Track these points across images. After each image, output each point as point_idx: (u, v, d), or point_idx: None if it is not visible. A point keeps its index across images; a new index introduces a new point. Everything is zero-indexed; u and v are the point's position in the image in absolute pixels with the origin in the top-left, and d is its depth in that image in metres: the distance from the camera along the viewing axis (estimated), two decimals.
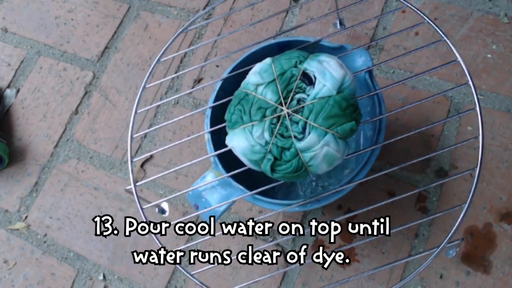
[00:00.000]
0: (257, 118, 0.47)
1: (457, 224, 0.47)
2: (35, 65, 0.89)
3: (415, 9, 0.55)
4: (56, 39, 0.90)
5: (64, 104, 0.84)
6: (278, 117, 0.47)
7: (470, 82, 0.50)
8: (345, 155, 0.48)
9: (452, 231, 0.47)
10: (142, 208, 0.54)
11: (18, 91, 0.87)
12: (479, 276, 0.60)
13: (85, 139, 0.80)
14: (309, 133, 0.46)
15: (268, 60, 0.50)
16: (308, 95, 0.47)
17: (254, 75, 0.49)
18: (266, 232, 0.68)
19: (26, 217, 0.77)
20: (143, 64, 0.83)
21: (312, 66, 0.48)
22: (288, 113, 0.47)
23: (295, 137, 0.46)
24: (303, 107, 0.47)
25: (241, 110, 0.49)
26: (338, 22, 0.75)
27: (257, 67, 0.50)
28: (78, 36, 0.89)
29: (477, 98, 0.50)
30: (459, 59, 0.51)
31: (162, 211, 0.69)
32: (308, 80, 0.47)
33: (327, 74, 0.47)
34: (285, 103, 0.48)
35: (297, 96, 0.47)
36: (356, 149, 0.65)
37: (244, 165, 0.52)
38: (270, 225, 0.68)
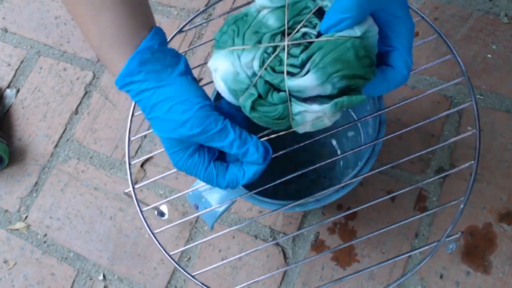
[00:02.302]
0: (250, 42, 0.40)
1: (456, 217, 0.48)
2: (35, 65, 0.89)
3: (413, 8, 0.55)
4: (56, 39, 0.90)
5: (64, 104, 0.84)
6: (275, 48, 0.40)
7: (466, 76, 0.50)
8: (331, 122, 0.42)
9: (452, 225, 0.48)
10: (141, 211, 0.54)
11: (18, 91, 0.87)
12: (479, 276, 0.60)
13: (85, 139, 0.80)
14: (308, 72, 0.39)
15: None
16: (319, 33, 0.40)
17: None
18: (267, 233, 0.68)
19: (26, 217, 0.77)
20: None
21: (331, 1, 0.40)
22: (288, 45, 0.40)
23: (288, 72, 0.40)
24: (311, 42, 0.39)
25: (235, 31, 0.41)
26: None
27: None
28: (78, 36, 0.89)
29: (473, 91, 0.50)
30: (455, 53, 0.51)
31: (161, 214, 0.70)
32: (321, 16, 0.40)
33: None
34: (288, 34, 0.40)
35: (304, 29, 0.40)
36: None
37: None
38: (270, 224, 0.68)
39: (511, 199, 0.63)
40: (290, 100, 0.40)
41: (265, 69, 0.40)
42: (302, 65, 0.39)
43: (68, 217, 0.76)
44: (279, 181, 0.51)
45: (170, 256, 0.52)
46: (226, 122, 0.42)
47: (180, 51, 0.62)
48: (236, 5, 0.83)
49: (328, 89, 0.40)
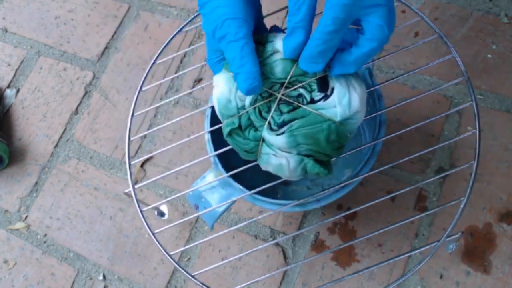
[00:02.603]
0: None
1: (456, 217, 0.48)
2: (35, 65, 0.89)
3: (413, 9, 0.55)
4: (56, 39, 0.90)
5: (64, 104, 0.84)
6: (270, 95, 0.43)
7: (465, 76, 0.51)
8: (295, 177, 0.45)
9: (452, 225, 0.48)
10: (141, 211, 0.54)
11: (18, 91, 0.87)
12: (479, 276, 0.60)
13: (85, 139, 0.80)
14: (283, 133, 0.42)
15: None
16: (312, 99, 0.43)
17: (280, 41, 0.44)
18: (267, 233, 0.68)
19: (26, 217, 0.77)
20: (143, 64, 0.83)
21: (338, 76, 0.43)
22: (281, 98, 0.43)
23: (269, 123, 0.43)
24: (299, 107, 0.42)
25: None
26: None
27: None
28: (78, 36, 0.89)
29: (473, 91, 0.50)
30: (455, 53, 0.52)
31: (161, 214, 0.70)
32: (323, 85, 0.43)
33: (345, 99, 0.42)
34: (286, 87, 0.43)
35: (302, 91, 0.43)
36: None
37: (244, 165, 0.52)
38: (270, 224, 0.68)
39: (511, 199, 0.63)
40: (263, 141, 0.43)
41: (254, 108, 0.43)
42: (281, 125, 0.42)
43: (68, 217, 0.76)
44: (279, 181, 0.51)
45: (170, 256, 0.52)
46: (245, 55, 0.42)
47: (180, 51, 0.62)
48: None
49: (294, 152, 0.43)
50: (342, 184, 0.52)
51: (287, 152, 0.43)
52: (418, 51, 0.72)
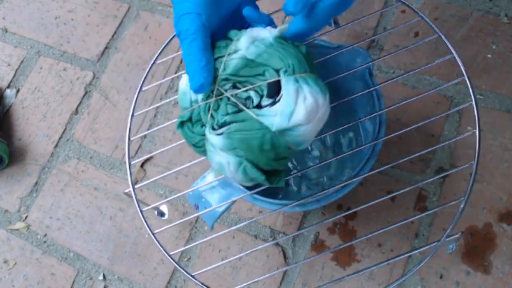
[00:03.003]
0: None
1: (456, 217, 0.48)
2: (35, 65, 0.89)
3: (413, 8, 0.55)
4: (56, 39, 0.90)
5: (64, 104, 0.84)
6: (221, 93, 0.43)
7: (465, 76, 0.51)
8: (239, 180, 0.45)
9: (452, 225, 0.48)
10: (141, 211, 0.54)
11: (18, 91, 0.87)
12: (479, 276, 0.60)
13: (85, 139, 0.81)
14: (221, 134, 0.42)
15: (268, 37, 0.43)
16: (258, 105, 0.41)
17: (246, 39, 0.43)
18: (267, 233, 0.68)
19: (26, 217, 0.77)
20: (143, 64, 0.83)
21: (289, 83, 0.41)
22: (228, 97, 0.42)
23: (212, 124, 0.43)
24: (241, 110, 0.42)
25: None
26: (332, 21, 0.75)
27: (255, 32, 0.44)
28: (78, 36, 0.89)
29: (473, 91, 0.50)
30: (455, 53, 0.52)
31: (161, 214, 0.70)
32: (273, 91, 0.42)
33: (288, 109, 0.40)
34: (237, 88, 0.43)
35: (252, 93, 0.42)
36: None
37: None
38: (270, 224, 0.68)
39: (511, 199, 0.63)
40: (207, 141, 0.43)
41: (205, 105, 0.43)
42: (222, 125, 0.42)
43: (68, 217, 0.76)
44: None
45: (170, 256, 0.52)
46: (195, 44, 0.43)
47: (180, 51, 0.62)
48: None
49: (233, 155, 0.42)
50: (342, 184, 0.52)
51: (225, 153, 0.43)
52: (418, 51, 0.72)
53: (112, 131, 0.80)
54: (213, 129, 0.43)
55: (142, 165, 0.76)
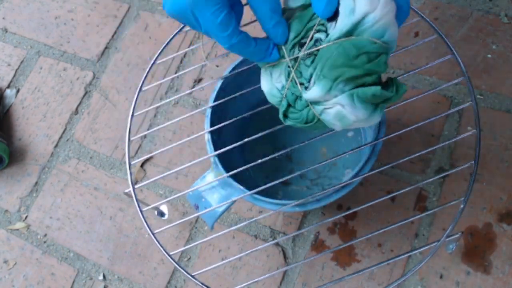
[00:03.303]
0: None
1: (456, 217, 0.48)
2: (35, 65, 0.89)
3: (413, 8, 0.55)
4: (56, 39, 0.90)
5: (64, 104, 0.84)
6: (295, 60, 0.42)
7: (466, 76, 0.51)
8: (371, 121, 0.42)
9: (452, 225, 0.48)
10: (141, 211, 0.54)
11: (18, 91, 0.87)
12: (479, 276, 0.60)
13: (85, 139, 0.80)
14: (314, 83, 0.41)
15: None
16: (328, 35, 0.40)
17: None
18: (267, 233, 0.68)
19: (26, 217, 0.77)
20: (143, 64, 0.83)
21: None
22: (302, 56, 0.41)
23: (302, 84, 0.42)
24: (318, 50, 0.40)
25: None
26: None
27: None
28: (78, 36, 0.89)
29: (473, 91, 0.50)
30: (455, 53, 0.52)
31: (161, 214, 0.70)
32: (332, 16, 0.40)
33: (347, 7, 0.39)
34: (304, 44, 0.41)
35: (317, 35, 0.41)
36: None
37: (243, 165, 0.52)
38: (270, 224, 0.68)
39: (511, 199, 0.63)
40: (311, 104, 0.42)
41: (291, 81, 0.42)
42: (310, 78, 0.41)
43: (68, 217, 0.76)
44: (279, 181, 0.51)
45: (170, 256, 0.52)
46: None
47: (180, 51, 0.62)
48: None
49: (338, 95, 0.40)
50: (342, 184, 0.52)
51: (332, 98, 0.41)
52: (418, 51, 0.72)
53: (112, 131, 0.80)
54: (306, 88, 0.41)
55: (142, 165, 0.76)
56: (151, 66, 0.59)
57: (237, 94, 0.55)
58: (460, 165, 0.49)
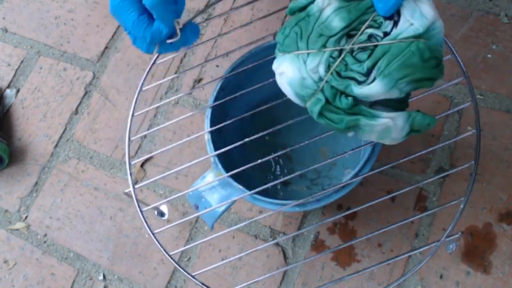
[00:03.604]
0: (315, 46, 0.40)
1: (456, 217, 0.48)
2: (35, 65, 0.89)
3: None
4: (56, 39, 0.90)
5: (64, 104, 0.84)
6: (340, 51, 0.40)
7: (466, 76, 0.51)
8: (401, 138, 0.42)
9: (452, 225, 0.48)
10: (141, 211, 0.54)
11: (18, 91, 0.87)
12: (479, 276, 0.60)
13: (85, 139, 0.80)
14: (374, 79, 0.39)
15: None
16: (385, 33, 0.39)
17: None
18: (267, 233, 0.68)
19: (26, 217, 0.77)
20: (143, 64, 0.83)
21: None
22: (353, 48, 0.39)
23: (354, 79, 0.39)
24: (376, 45, 0.39)
25: (298, 34, 0.41)
26: None
27: None
28: (78, 36, 0.89)
29: (473, 91, 0.50)
30: (455, 53, 0.52)
31: (161, 214, 0.70)
32: (389, 16, 0.39)
33: (417, 12, 0.38)
34: (353, 35, 0.40)
35: (369, 30, 0.40)
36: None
37: (243, 165, 0.52)
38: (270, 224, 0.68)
39: (511, 199, 0.63)
40: (360, 113, 0.40)
41: (331, 74, 0.39)
42: (368, 72, 0.39)
43: (68, 217, 0.76)
44: (279, 181, 0.51)
45: (170, 256, 0.52)
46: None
47: (180, 51, 0.62)
48: (236, 5, 0.83)
49: (395, 94, 0.40)
50: (342, 184, 0.52)
51: (386, 95, 0.40)
52: None
53: (112, 131, 0.80)
54: (360, 83, 0.39)
55: (142, 165, 0.76)
56: (151, 66, 0.59)
57: (237, 94, 0.55)
58: (460, 165, 0.49)
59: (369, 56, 0.39)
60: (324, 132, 0.51)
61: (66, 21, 0.91)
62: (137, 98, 0.58)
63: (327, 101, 0.40)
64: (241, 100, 0.58)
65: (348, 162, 0.66)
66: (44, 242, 0.75)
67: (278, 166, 0.68)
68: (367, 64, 0.39)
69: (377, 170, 0.51)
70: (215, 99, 0.59)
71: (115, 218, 0.74)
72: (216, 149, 0.56)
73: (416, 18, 0.38)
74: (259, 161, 0.51)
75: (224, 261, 0.51)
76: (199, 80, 0.80)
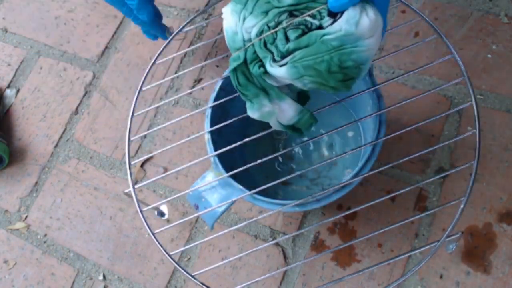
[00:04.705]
0: (259, 10, 0.42)
1: (456, 217, 0.48)
2: (35, 65, 0.89)
3: (413, 8, 0.55)
4: (56, 39, 0.90)
5: (64, 104, 0.84)
6: (277, 24, 0.41)
7: (465, 76, 0.51)
8: (279, 127, 0.45)
9: (452, 225, 0.48)
10: (141, 211, 0.54)
11: (18, 91, 0.87)
12: (479, 276, 0.60)
13: (85, 139, 0.80)
14: (285, 64, 0.41)
15: None
16: (320, 27, 0.40)
17: None
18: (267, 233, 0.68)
19: (26, 217, 0.77)
20: (143, 64, 0.83)
21: (354, 3, 0.40)
22: (285, 28, 0.41)
23: (272, 54, 0.41)
24: (305, 33, 0.40)
25: None
26: None
27: None
28: (78, 36, 0.89)
29: (473, 91, 0.50)
30: (455, 53, 0.52)
31: (161, 214, 0.70)
32: (332, 12, 0.40)
33: (353, 18, 0.39)
34: (295, 16, 0.41)
35: (309, 19, 0.41)
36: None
37: (243, 165, 0.52)
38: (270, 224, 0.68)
39: (511, 199, 0.63)
40: (265, 88, 0.42)
41: (259, 40, 0.41)
42: (286, 55, 0.40)
43: (68, 217, 0.76)
44: (279, 181, 0.51)
45: (170, 256, 0.52)
46: None
47: (180, 51, 0.63)
48: None
49: (299, 85, 0.42)
50: (342, 184, 0.52)
51: (290, 82, 0.41)
52: (418, 51, 0.72)
53: (112, 131, 0.80)
54: (275, 61, 0.41)
55: (142, 165, 0.76)
56: (151, 66, 0.59)
57: (237, 94, 0.55)
58: (460, 165, 0.49)
59: (297, 37, 0.40)
60: (324, 132, 0.51)
61: (66, 21, 0.91)
62: (137, 98, 0.58)
63: (245, 61, 0.42)
64: (241, 100, 0.58)
65: (348, 162, 0.66)
66: (44, 242, 0.75)
67: (278, 166, 0.68)
68: (289, 47, 0.40)
69: (377, 170, 0.51)
70: (215, 99, 0.59)
71: (115, 218, 0.74)
72: (216, 149, 0.56)
73: (349, 23, 0.39)
74: (259, 161, 0.51)
75: (224, 261, 0.51)
76: (199, 80, 0.80)
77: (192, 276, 0.51)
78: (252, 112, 0.45)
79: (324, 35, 0.40)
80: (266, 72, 0.42)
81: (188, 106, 0.78)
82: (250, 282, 0.51)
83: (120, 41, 0.86)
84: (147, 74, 0.59)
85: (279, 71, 0.41)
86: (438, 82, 0.70)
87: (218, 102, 0.57)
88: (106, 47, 0.87)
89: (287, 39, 0.41)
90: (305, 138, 0.68)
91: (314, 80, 0.41)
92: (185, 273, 0.51)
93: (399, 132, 0.50)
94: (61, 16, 0.91)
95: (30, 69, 0.89)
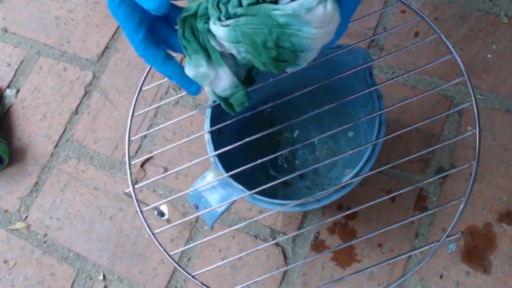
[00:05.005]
0: None
1: (456, 217, 0.48)
2: (35, 65, 0.89)
3: (413, 8, 0.55)
4: (56, 39, 0.90)
5: (64, 104, 0.84)
6: None
7: (465, 76, 0.51)
8: (210, 94, 0.45)
9: (452, 225, 0.48)
10: (141, 211, 0.54)
11: (18, 91, 0.87)
12: (479, 276, 0.60)
13: (85, 139, 0.81)
14: (228, 27, 0.40)
15: None
16: (274, 1, 0.39)
17: None
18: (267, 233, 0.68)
19: (26, 217, 0.77)
20: (143, 64, 0.83)
21: None
22: None
23: (220, 13, 0.40)
24: (257, 4, 0.39)
25: None
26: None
27: None
28: (78, 36, 0.89)
29: (473, 91, 0.50)
30: (455, 53, 0.52)
31: (161, 214, 0.70)
32: None
33: (309, 3, 0.38)
34: None
35: None
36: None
37: (243, 165, 0.52)
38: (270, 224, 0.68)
39: (511, 199, 0.63)
40: (207, 48, 0.42)
41: None
42: (232, 17, 0.40)
43: (68, 217, 0.76)
44: (279, 181, 0.51)
45: (170, 256, 0.52)
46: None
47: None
48: None
49: (233, 51, 0.41)
50: (342, 184, 0.52)
51: (228, 45, 0.41)
52: (418, 51, 0.72)
53: (112, 131, 0.80)
54: (220, 20, 0.41)
55: (142, 165, 0.76)
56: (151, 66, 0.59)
57: None
58: (460, 165, 0.49)
59: (249, 5, 0.40)
60: (324, 133, 0.51)
61: (66, 21, 0.91)
62: (137, 98, 0.58)
63: (195, 14, 0.42)
64: None
65: (348, 162, 0.66)
66: (44, 242, 0.75)
67: (278, 166, 0.68)
68: (237, 11, 0.40)
69: (377, 170, 0.51)
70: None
71: (115, 218, 0.74)
72: (216, 149, 0.56)
73: (302, 5, 0.38)
74: (259, 161, 0.51)
75: (224, 261, 0.51)
76: None
77: (192, 276, 0.51)
78: (188, 69, 0.44)
79: (274, 9, 0.39)
80: (210, 30, 0.42)
81: (188, 106, 0.78)
82: (250, 282, 0.51)
83: (120, 41, 0.86)
84: (147, 74, 0.59)
85: (219, 31, 0.40)
86: (438, 82, 0.70)
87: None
88: (106, 47, 0.87)
89: (240, 5, 0.40)
90: (305, 139, 0.68)
91: (248, 50, 0.40)
92: (185, 273, 0.51)
93: (399, 132, 0.50)
94: (61, 16, 0.91)
95: (30, 69, 0.89)
